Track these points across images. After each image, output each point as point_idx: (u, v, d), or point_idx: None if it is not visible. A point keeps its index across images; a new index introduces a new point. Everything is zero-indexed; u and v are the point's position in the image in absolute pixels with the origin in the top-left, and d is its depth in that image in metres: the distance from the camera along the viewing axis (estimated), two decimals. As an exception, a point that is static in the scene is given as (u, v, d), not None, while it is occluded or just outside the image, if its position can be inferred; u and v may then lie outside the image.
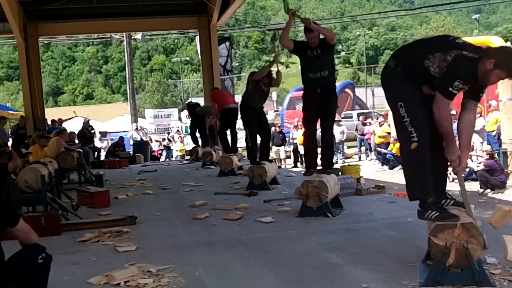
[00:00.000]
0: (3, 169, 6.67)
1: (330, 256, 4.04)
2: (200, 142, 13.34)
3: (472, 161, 12.08)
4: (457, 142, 3.47)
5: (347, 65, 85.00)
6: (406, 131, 3.38)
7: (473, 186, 11.20)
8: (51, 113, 21.29)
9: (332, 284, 3.42)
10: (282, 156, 18.91)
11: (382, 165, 16.25)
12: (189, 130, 14.80)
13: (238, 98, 11.73)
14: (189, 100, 22.92)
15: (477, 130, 13.13)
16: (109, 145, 18.82)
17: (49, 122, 15.58)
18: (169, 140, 21.38)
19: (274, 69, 8.27)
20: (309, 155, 6.34)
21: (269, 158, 8.75)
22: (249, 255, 4.23)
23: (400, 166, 15.51)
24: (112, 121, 31.43)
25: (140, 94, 59.08)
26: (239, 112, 9.13)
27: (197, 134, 13.30)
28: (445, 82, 3.32)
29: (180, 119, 25.41)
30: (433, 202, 3.41)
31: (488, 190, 10.60)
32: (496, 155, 11.31)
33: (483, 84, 3.40)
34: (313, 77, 5.84)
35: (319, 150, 6.28)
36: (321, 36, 5.89)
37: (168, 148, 20.74)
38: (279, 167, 13.77)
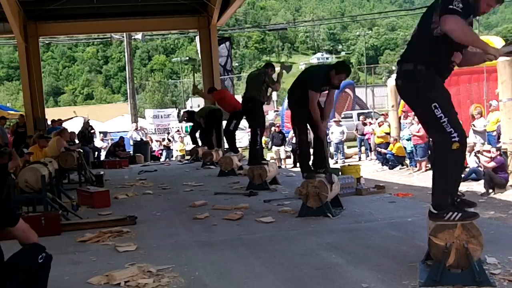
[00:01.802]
0: (4, 169, 6.68)
1: (330, 256, 4.04)
2: (199, 142, 13.39)
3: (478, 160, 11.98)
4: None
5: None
6: (445, 132, 3.24)
7: (473, 186, 11.19)
8: (51, 113, 21.27)
9: (332, 284, 3.42)
10: (282, 156, 18.91)
11: (382, 165, 16.24)
12: (189, 131, 14.88)
13: (237, 98, 11.84)
14: (189, 101, 22.92)
15: (479, 131, 13.13)
16: (109, 145, 18.82)
17: (49, 122, 15.57)
18: (169, 140, 21.38)
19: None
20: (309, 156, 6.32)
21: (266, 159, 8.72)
22: (249, 255, 4.22)
23: (400, 166, 15.53)
24: (112, 121, 31.42)
25: (140, 94, 59.13)
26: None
27: (196, 135, 13.37)
28: (445, 2, 3.17)
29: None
30: (451, 203, 3.35)
31: (490, 190, 10.57)
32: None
33: (475, 14, 3.34)
34: None
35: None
36: None
37: (168, 148, 20.74)
38: (279, 167, 13.77)
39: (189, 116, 13.70)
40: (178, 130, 23.82)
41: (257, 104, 8.13)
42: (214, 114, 11.94)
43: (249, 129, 8.83)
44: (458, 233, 3.20)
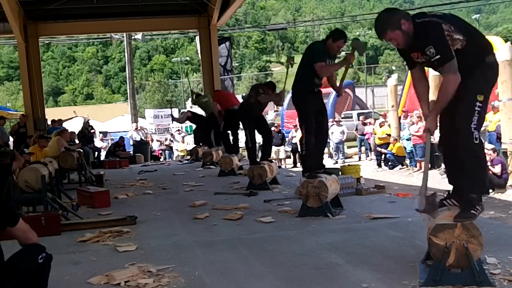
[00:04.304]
0: (6, 170, 6.68)
1: (330, 256, 4.04)
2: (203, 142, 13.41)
3: None
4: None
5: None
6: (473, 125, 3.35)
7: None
8: (51, 113, 21.28)
9: (332, 284, 3.42)
10: (282, 156, 18.90)
11: (379, 166, 16.19)
12: (193, 132, 14.91)
13: (238, 98, 11.90)
14: (189, 101, 22.89)
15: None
16: (109, 145, 18.82)
17: (49, 122, 15.58)
18: (170, 140, 21.38)
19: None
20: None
21: (269, 158, 8.79)
22: (249, 255, 4.23)
23: (400, 166, 15.51)
24: (112, 121, 31.44)
25: (140, 94, 59.12)
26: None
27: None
28: None
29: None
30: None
31: (490, 191, 10.56)
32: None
33: None
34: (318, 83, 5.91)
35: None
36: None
37: (170, 148, 20.76)
38: (279, 167, 13.79)
39: (193, 117, 13.65)
40: (178, 130, 23.82)
41: (242, 110, 8.45)
42: (213, 114, 11.95)
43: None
44: (458, 233, 3.20)
